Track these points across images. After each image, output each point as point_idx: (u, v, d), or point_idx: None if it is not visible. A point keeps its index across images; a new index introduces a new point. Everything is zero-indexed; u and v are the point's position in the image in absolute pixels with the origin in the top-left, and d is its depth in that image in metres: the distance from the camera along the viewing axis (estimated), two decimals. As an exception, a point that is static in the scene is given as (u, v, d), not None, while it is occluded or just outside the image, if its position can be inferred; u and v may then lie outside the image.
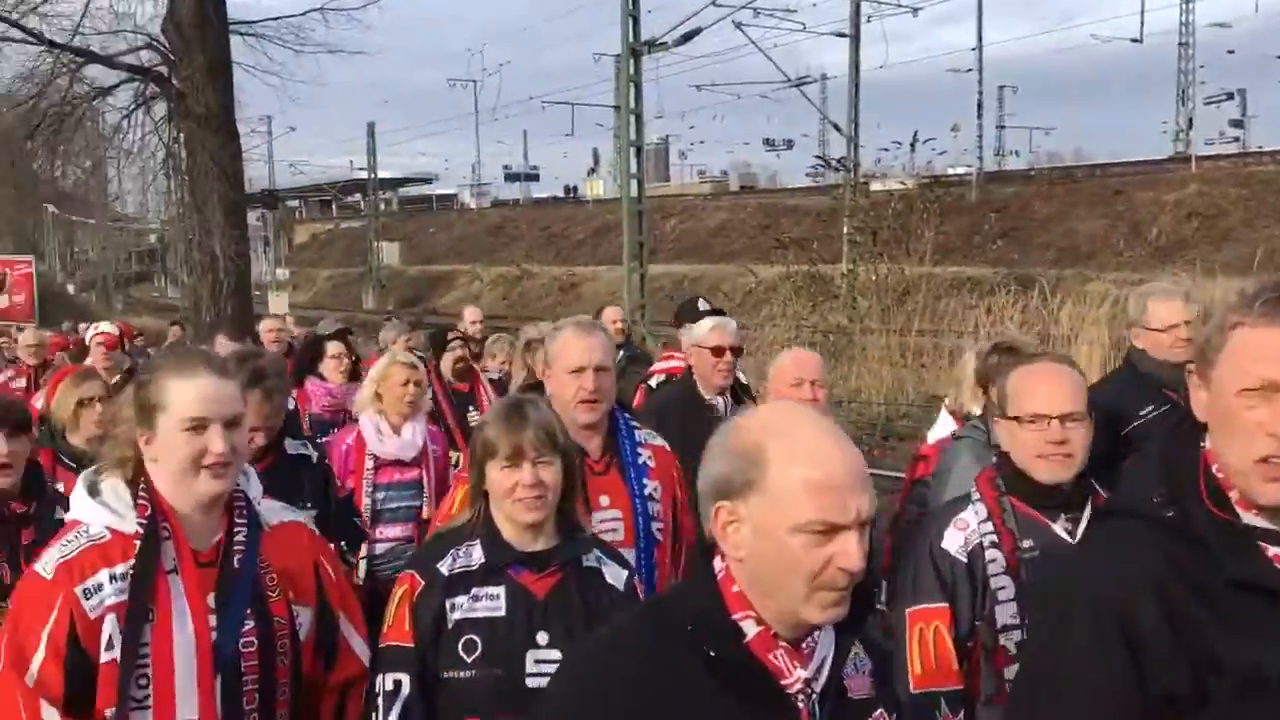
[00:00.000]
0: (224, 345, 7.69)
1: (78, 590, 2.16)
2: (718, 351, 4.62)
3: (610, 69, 35.69)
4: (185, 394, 2.24)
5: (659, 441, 3.37)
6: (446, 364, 6.25)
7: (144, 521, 2.22)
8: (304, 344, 7.36)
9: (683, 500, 3.31)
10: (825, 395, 4.16)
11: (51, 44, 20.47)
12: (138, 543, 2.20)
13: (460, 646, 2.44)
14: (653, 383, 5.58)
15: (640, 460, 3.24)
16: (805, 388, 4.07)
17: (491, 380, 6.79)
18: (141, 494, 2.25)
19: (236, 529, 2.33)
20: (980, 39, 43.76)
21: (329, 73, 36.29)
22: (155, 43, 20.48)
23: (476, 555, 2.51)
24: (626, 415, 3.34)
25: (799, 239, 21.82)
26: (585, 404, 3.13)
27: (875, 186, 23.93)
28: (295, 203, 69.60)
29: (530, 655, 2.44)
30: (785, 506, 1.57)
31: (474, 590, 2.47)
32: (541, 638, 2.45)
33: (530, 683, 2.41)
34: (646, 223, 20.88)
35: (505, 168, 69.83)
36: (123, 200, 56.76)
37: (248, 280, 22.45)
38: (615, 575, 2.59)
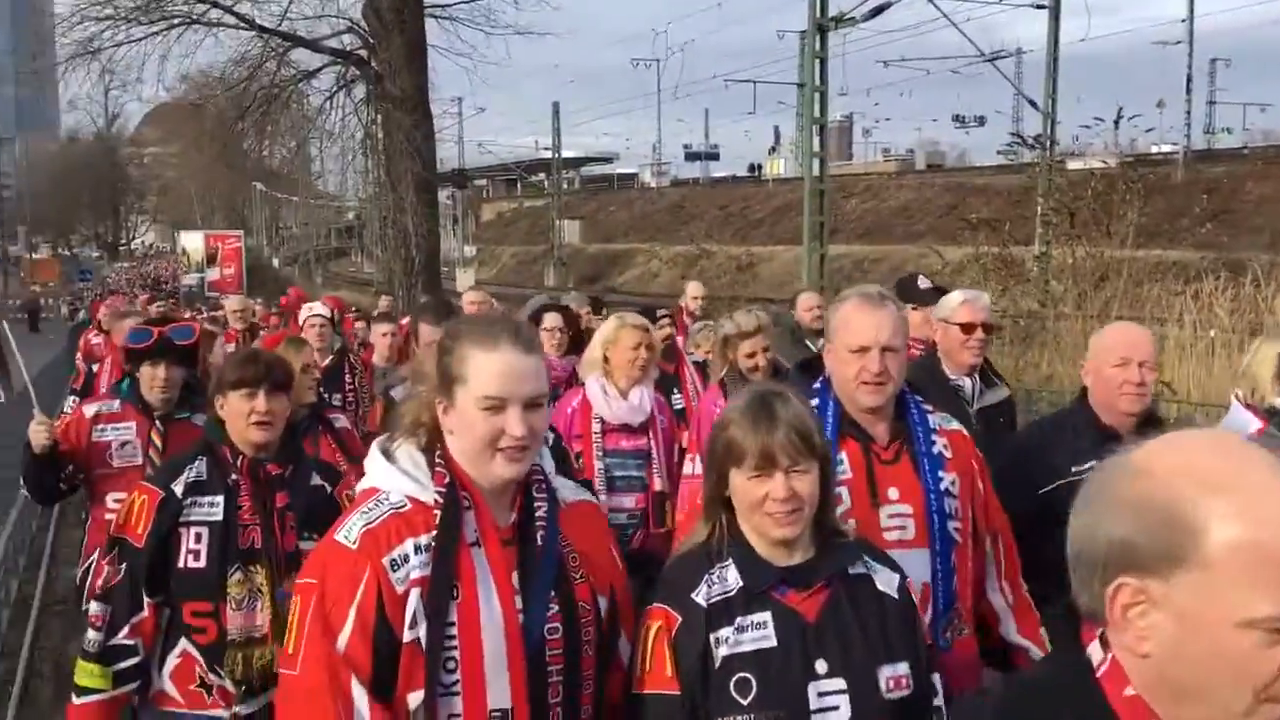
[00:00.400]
0: (428, 333, 7.84)
1: (384, 561, 1.97)
2: (968, 328, 4.28)
3: (795, 46, 35.28)
4: (485, 369, 2.03)
5: (955, 426, 2.95)
6: (651, 342, 6.20)
7: (443, 490, 2.04)
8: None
9: (985, 495, 2.92)
10: (1154, 380, 3.54)
11: (262, 29, 21.66)
12: (438, 513, 2.02)
13: (732, 687, 2.10)
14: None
15: (935, 449, 2.83)
16: (1133, 369, 3.43)
17: (695, 363, 6.66)
18: (439, 462, 2.07)
19: (536, 504, 2.11)
20: (1191, 9, 41.01)
21: (517, 54, 36.99)
22: (356, 27, 21.42)
23: (732, 578, 2.16)
24: (918, 397, 2.94)
25: (989, 219, 21.01)
26: (869, 386, 2.77)
27: (1073, 165, 22.88)
28: (482, 182, 71.59)
29: (812, 688, 2.11)
30: (1234, 592, 1.18)
31: (737, 620, 2.13)
32: (820, 666, 2.12)
33: None
34: (828, 202, 20.50)
35: (686, 146, 70.12)
36: (324, 179, 59.57)
37: (437, 257, 23.24)
38: (887, 581, 2.24)
